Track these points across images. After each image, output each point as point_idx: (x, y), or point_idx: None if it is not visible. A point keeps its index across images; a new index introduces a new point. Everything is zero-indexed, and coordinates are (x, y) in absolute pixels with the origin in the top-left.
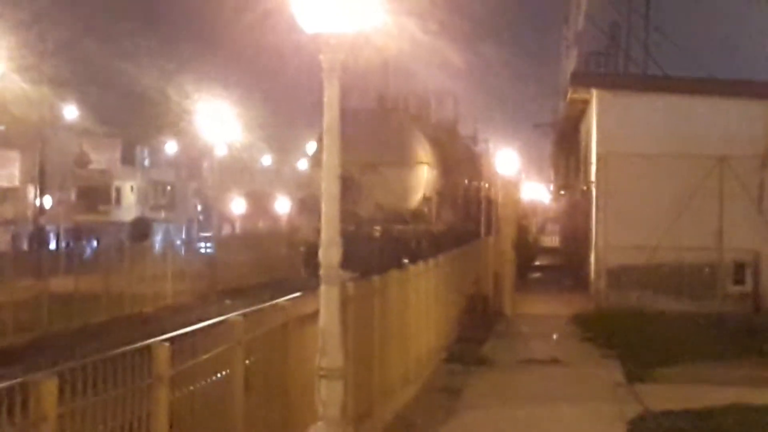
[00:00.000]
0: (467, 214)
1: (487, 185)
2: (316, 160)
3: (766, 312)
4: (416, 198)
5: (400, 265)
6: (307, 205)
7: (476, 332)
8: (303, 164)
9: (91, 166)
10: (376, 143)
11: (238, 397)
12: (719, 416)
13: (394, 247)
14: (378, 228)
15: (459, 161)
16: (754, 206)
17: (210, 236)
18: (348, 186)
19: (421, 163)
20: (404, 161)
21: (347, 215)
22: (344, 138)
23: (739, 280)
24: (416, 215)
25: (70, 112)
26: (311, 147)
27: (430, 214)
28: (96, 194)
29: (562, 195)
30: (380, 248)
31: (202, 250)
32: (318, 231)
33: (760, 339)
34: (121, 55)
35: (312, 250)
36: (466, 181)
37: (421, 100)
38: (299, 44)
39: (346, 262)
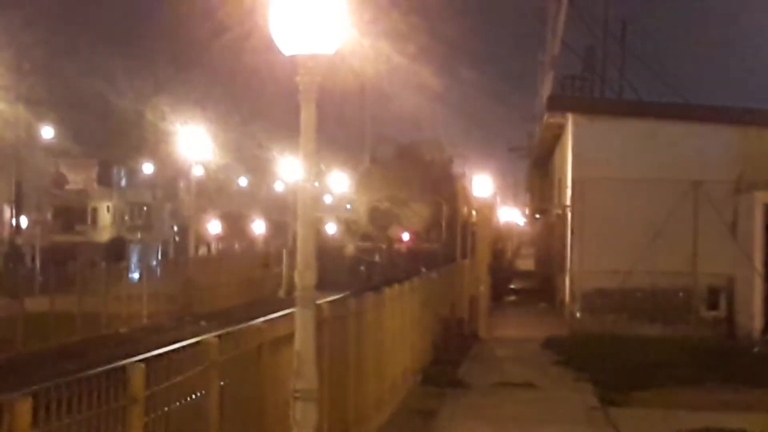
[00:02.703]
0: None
1: (464, 209)
2: (357, 192)
3: (739, 337)
4: (431, 224)
5: (419, 273)
6: (351, 228)
7: (451, 355)
8: (279, 186)
9: (68, 187)
10: (405, 184)
11: (213, 419)
12: None
13: (415, 260)
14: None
15: (454, 194)
16: (728, 231)
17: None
18: (383, 215)
19: (435, 199)
20: (424, 198)
21: (382, 237)
22: (382, 179)
23: (713, 305)
24: (430, 237)
25: (47, 132)
26: (286, 169)
27: (440, 237)
28: (72, 215)
29: (537, 219)
30: (405, 260)
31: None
32: (357, 247)
33: (733, 364)
34: (98, 75)
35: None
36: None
37: (432, 145)
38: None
39: (380, 268)
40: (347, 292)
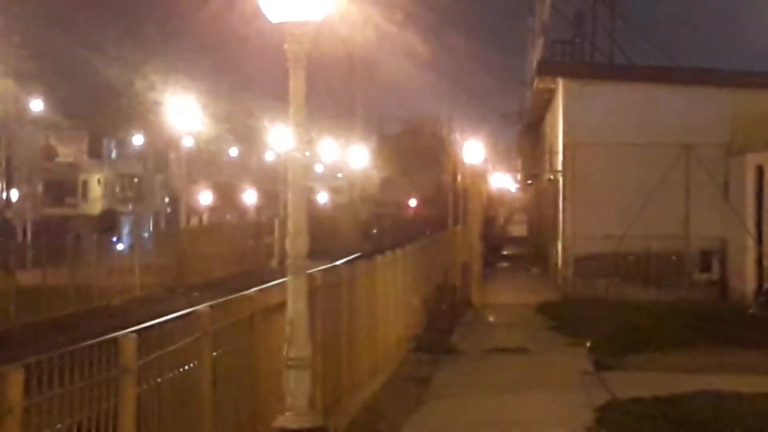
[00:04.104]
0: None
1: (455, 176)
2: (370, 165)
3: (732, 300)
4: (434, 192)
5: (424, 234)
6: (370, 200)
7: (444, 322)
8: (270, 156)
9: (58, 159)
10: (412, 156)
11: (206, 389)
12: (687, 403)
13: (422, 224)
14: (411, 210)
15: (453, 164)
16: (720, 194)
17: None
18: (393, 184)
19: (439, 169)
20: (429, 168)
21: (392, 203)
22: (390, 153)
23: (705, 268)
24: (433, 202)
25: (36, 105)
26: (276, 138)
27: (441, 202)
28: (63, 187)
29: (529, 185)
30: (412, 225)
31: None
32: (370, 213)
33: (726, 326)
34: (87, 47)
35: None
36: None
37: (434, 120)
38: (265, 34)
39: (391, 231)
40: (359, 254)
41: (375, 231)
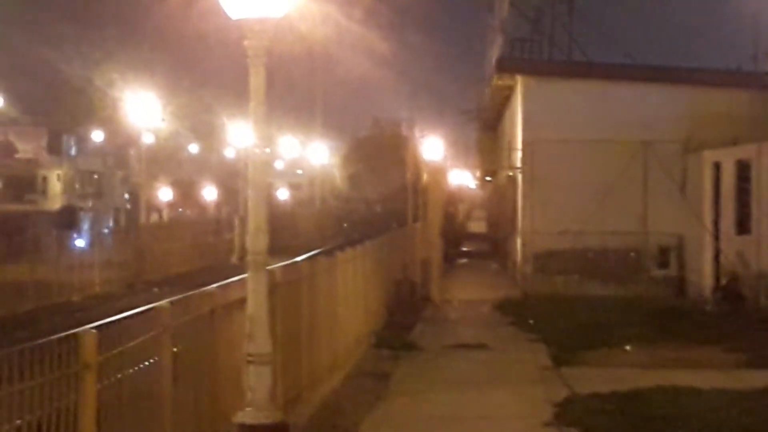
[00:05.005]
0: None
1: (414, 172)
2: (342, 164)
3: (690, 296)
4: (399, 189)
5: (391, 228)
6: (340, 196)
7: (404, 318)
8: (230, 152)
9: (18, 156)
10: (378, 155)
11: (166, 384)
12: (645, 398)
13: (388, 216)
14: (378, 205)
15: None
16: (677, 191)
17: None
18: (362, 180)
19: (404, 167)
20: (394, 166)
21: (360, 198)
22: (359, 153)
23: (663, 264)
24: (399, 198)
25: None
26: (236, 135)
27: (406, 198)
28: (22, 183)
29: (488, 181)
30: (380, 216)
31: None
32: (345, 210)
33: (684, 322)
34: (46, 43)
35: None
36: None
37: (399, 120)
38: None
39: (360, 225)
40: (331, 246)
41: (345, 225)
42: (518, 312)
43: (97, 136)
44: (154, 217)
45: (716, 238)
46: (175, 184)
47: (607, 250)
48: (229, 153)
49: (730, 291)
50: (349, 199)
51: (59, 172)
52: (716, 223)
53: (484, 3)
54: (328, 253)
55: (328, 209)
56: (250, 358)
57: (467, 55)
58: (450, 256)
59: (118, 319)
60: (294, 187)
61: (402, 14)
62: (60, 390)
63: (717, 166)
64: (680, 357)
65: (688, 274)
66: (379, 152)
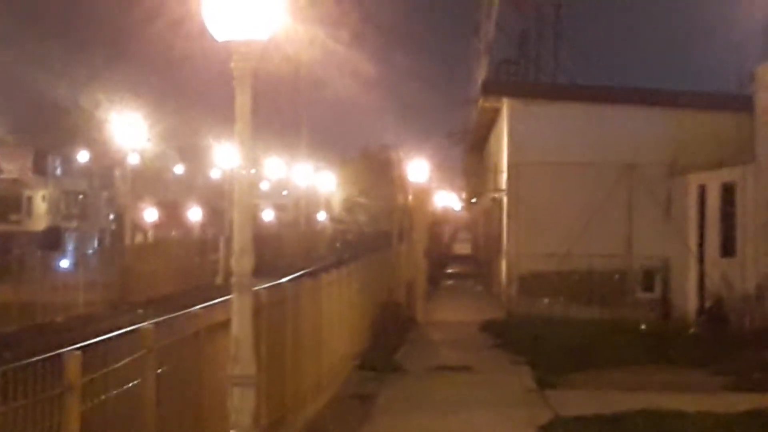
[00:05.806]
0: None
1: (400, 195)
2: (336, 187)
3: (675, 318)
4: (388, 211)
5: (379, 248)
6: (334, 218)
7: (389, 339)
8: (215, 173)
9: (2, 176)
10: (368, 179)
11: (150, 406)
12: (630, 421)
13: (380, 240)
14: (371, 230)
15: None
16: (662, 213)
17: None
18: (356, 206)
19: (393, 189)
20: (383, 189)
21: (354, 223)
22: (352, 177)
23: (648, 287)
24: (388, 220)
25: None
26: (222, 156)
27: (396, 221)
28: (7, 204)
29: (473, 203)
30: (372, 240)
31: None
32: (338, 230)
33: (669, 345)
34: (32, 63)
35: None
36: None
37: (390, 147)
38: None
39: (355, 248)
40: (317, 267)
41: (338, 245)
42: (503, 334)
43: (83, 156)
44: (139, 237)
45: (701, 260)
46: (161, 205)
47: (592, 273)
48: (214, 174)
49: (714, 313)
50: (341, 221)
51: (44, 192)
52: (701, 246)
53: (470, 26)
54: (313, 274)
55: (318, 230)
56: (234, 380)
57: (454, 77)
58: (435, 278)
59: (103, 341)
60: (279, 208)
61: (389, 37)
62: (43, 411)
63: (702, 189)
64: (665, 380)
65: (673, 296)
66: (368, 176)
